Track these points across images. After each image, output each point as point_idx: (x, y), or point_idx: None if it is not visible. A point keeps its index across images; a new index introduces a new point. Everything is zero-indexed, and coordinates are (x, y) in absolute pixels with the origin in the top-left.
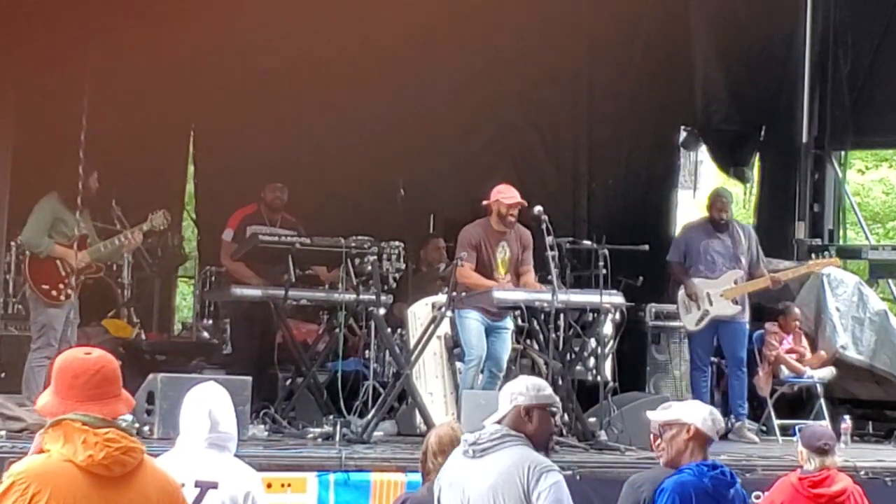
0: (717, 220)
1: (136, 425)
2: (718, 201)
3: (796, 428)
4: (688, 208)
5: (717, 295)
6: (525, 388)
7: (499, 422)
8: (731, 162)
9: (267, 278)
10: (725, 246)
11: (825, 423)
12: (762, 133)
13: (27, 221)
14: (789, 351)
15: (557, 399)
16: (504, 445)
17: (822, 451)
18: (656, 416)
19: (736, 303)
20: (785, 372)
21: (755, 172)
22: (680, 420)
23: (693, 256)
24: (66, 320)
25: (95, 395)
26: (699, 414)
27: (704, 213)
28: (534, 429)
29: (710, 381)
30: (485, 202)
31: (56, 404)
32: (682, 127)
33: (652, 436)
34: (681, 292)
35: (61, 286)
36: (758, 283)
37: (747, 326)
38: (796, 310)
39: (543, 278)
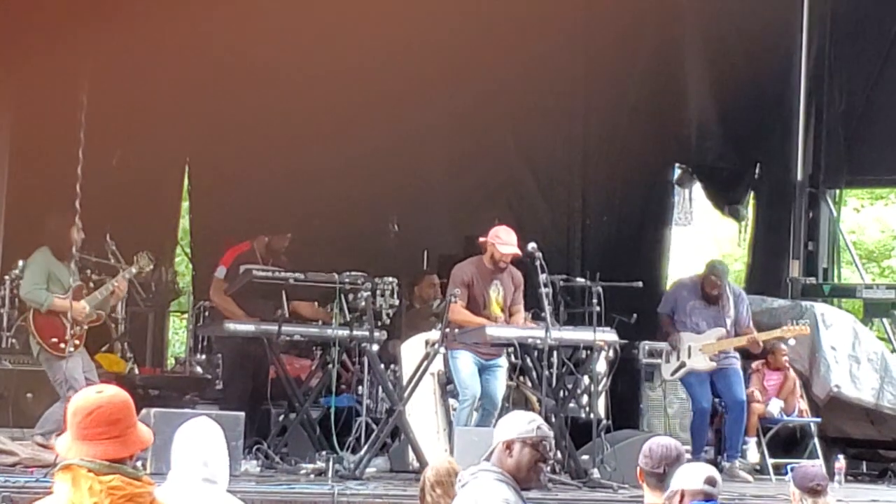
0: (707, 294)
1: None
2: (709, 280)
3: (788, 468)
4: (682, 245)
5: (697, 349)
6: (510, 422)
7: (487, 458)
8: (726, 200)
9: (255, 316)
10: (711, 312)
11: (819, 463)
12: (756, 171)
13: (24, 276)
14: (778, 389)
15: (545, 433)
16: (473, 480)
17: (815, 492)
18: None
19: (712, 360)
20: (776, 412)
21: (750, 210)
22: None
23: (680, 315)
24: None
25: (92, 435)
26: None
27: (698, 252)
28: (513, 463)
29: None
30: (482, 239)
31: (62, 443)
32: (677, 164)
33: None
34: (667, 342)
35: (68, 337)
36: (734, 342)
37: (739, 368)
38: (783, 346)
39: (537, 315)
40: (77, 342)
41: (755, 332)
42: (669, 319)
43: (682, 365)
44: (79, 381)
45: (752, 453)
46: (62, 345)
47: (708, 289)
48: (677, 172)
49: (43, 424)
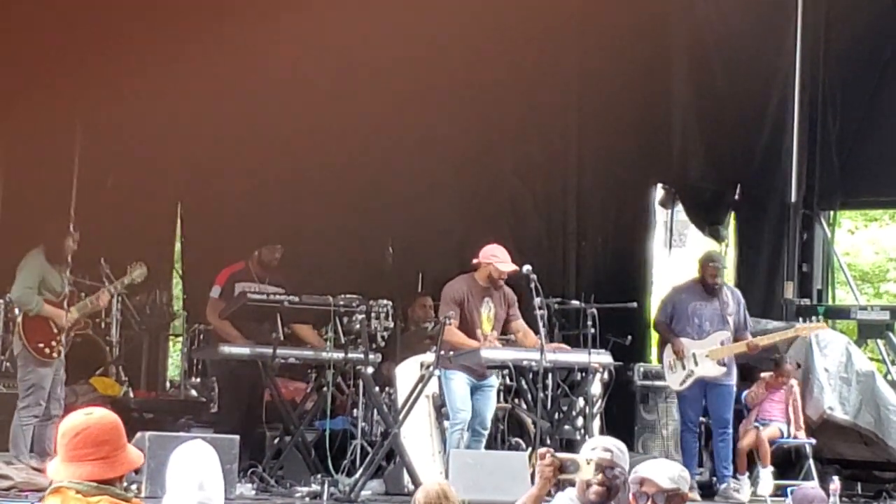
0: (708, 285)
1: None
2: (711, 267)
3: (788, 490)
4: (677, 266)
5: (703, 355)
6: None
7: None
8: (706, 220)
9: (253, 338)
10: (713, 309)
11: (815, 484)
12: (737, 191)
13: (16, 279)
14: (783, 410)
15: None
16: None
17: None
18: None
19: (721, 364)
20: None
21: (731, 230)
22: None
23: (681, 319)
24: (54, 378)
25: (78, 456)
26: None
27: (695, 272)
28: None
29: (700, 442)
30: (475, 260)
31: (51, 465)
32: (660, 185)
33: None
34: (666, 352)
35: (54, 343)
36: (735, 348)
37: (734, 388)
38: (788, 366)
39: None
40: (61, 349)
41: (751, 338)
42: (667, 327)
43: (691, 374)
44: (44, 391)
45: (766, 484)
46: (46, 349)
47: (709, 278)
48: (660, 193)
49: (15, 445)
